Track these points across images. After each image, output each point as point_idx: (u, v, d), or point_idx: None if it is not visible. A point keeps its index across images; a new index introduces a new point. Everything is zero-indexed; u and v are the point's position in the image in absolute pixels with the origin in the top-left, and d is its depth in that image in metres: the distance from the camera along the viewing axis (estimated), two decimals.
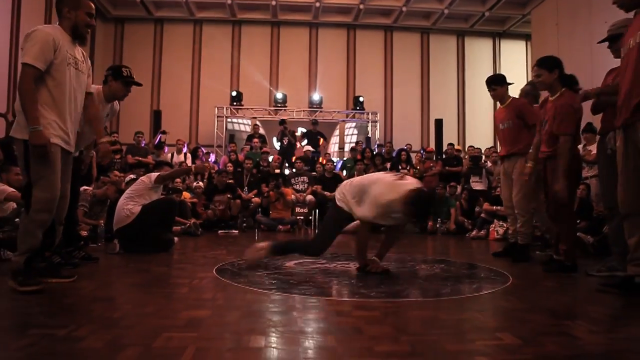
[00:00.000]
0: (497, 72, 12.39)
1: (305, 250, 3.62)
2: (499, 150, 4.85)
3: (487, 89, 4.61)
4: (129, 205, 4.39)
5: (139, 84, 3.73)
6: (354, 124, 12.41)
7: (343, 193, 3.39)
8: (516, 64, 12.89)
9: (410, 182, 3.26)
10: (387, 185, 3.21)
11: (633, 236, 2.59)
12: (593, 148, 6.43)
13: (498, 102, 4.65)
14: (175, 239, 4.99)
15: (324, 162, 9.20)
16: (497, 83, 4.53)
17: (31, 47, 2.61)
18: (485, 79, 4.68)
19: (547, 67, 3.57)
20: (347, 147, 11.78)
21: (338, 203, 3.40)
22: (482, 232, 6.65)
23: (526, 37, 12.73)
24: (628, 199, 2.60)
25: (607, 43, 3.30)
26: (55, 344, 1.66)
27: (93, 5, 2.94)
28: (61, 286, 2.68)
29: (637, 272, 2.57)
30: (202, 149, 10.48)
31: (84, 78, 2.92)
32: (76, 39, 2.88)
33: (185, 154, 9.58)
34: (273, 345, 1.70)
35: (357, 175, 8.23)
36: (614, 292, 2.63)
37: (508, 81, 4.62)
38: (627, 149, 2.61)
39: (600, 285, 2.76)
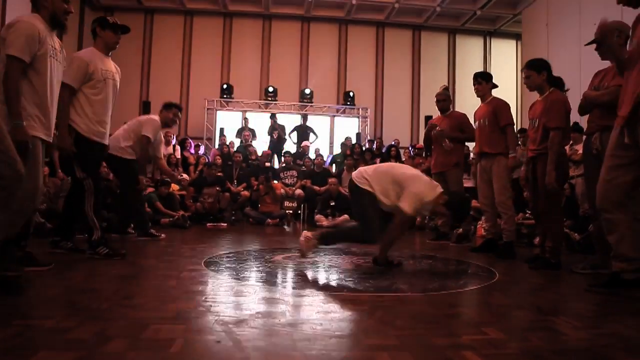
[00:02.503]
0: (487, 70, 12.48)
1: (363, 238, 3.42)
2: (473, 148, 5.04)
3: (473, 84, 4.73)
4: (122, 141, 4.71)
5: (128, 29, 3.65)
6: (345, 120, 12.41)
7: (365, 178, 3.33)
8: (506, 63, 12.98)
9: (433, 182, 3.42)
10: (427, 185, 3.27)
11: (613, 233, 2.63)
12: (579, 147, 6.53)
13: (480, 99, 4.73)
14: (162, 235, 5.00)
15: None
16: (484, 77, 4.72)
17: (16, 39, 2.56)
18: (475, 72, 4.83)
19: (535, 68, 3.70)
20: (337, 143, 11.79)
21: (362, 186, 3.31)
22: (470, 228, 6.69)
23: (516, 37, 12.81)
24: (608, 193, 2.63)
25: (594, 45, 3.34)
26: (41, 334, 1.64)
27: None
28: (46, 278, 2.65)
29: (622, 267, 2.60)
30: (191, 140, 10.41)
31: (61, 69, 2.90)
32: (55, 27, 2.83)
33: (174, 146, 9.51)
34: (262, 338, 1.70)
35: (347, 171, 8.27)
36: (602, 292, 2.63)
37: (495, 83, 4.76)
38: (621, 140, 2.60)
39: (588, 286, 2.76)
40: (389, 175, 3.32)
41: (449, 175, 5.13)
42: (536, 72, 3.68)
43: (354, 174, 3.47)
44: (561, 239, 3.62)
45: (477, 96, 4.74)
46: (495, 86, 4.75)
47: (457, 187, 5.06)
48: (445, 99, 5.36)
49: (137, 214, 4.92)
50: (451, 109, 5.49)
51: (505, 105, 4.48)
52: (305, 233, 3.35)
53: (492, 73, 5.01)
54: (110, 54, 3.63)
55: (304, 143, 10.24)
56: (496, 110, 4.43)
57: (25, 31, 2.59)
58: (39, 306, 2.07)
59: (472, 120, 5.07)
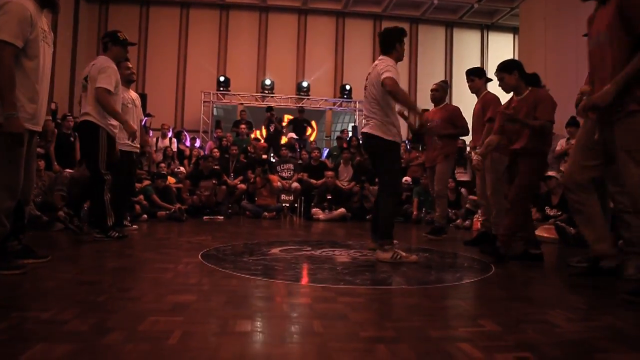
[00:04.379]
0: (485, 64, 12.48)
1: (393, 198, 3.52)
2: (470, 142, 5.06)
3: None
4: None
5: (134, 44, 4.42)
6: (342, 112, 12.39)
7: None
8: (504, 56, 12.69)
9: None
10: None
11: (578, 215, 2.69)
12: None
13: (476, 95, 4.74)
14: (135, 226, 5.05)
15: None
16: (475, 74, 4.72)
17: (7, 22, 2.39)
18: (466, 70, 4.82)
19: (506, 69, 3.69)
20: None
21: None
22: (466, 222, 6.72)
23: (514, 30, 12.80)
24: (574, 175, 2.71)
25: None
26: (38, 326, 1.64)
27: None
28: (43, 270, 2.65)
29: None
30: (186, 133, 10.38)
31: (50, 52, 2.75)
32: (45, 7, 2.68)
33: (170, 138, 9.49)
34: (258, 330, 1.71)
35: (343, 165, 8.27)
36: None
37: (489, 77, 4.75)
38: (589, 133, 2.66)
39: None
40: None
41: (437, 166, 5.10)
42: (507, 73, 3.68)
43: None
44: (514, 230, 3.56)
45: (472, 92, 4.76)
46: (489, 80, 4.76)
47: (440, 179, 5.06)
48: (437, 89, 5.31)
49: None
50: (446, 101, 5.47)
51: (494, 100, 4.49)
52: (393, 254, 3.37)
53: (489, 67, 5.02)
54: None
55: (290, 135, 10.22)
56: (484, 105, 4.46)
57: (17, 14, 2.42)
58: (37, 298, 2.07)
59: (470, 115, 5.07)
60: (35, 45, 2.56)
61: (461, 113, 5.20)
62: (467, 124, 5.04)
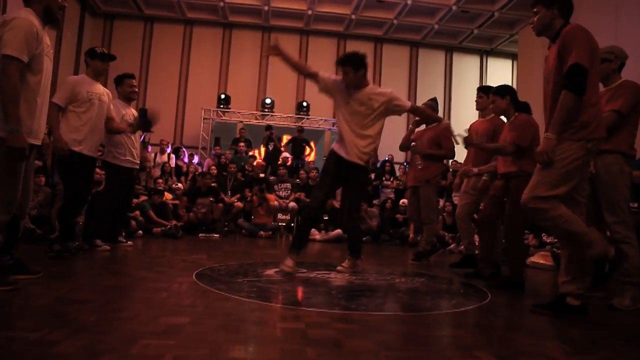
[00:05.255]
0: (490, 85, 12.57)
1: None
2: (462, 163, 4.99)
3: (474, 99, 4.75)
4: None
5: (113, 58, 4.28)
6: None
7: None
8: (502, 81, 12.94)
9: None
10: None
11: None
12: None
13: (479, 112, 4.74)
14: (130, 242, 4.97)
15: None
16: (485, 92, 4.59)
17: (14, 38, 2.43)
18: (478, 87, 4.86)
19: (499, 94, 3.88)
20: None
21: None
22: (461, 247, 6.68)
23: (513, 56, 12.98)
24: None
25: None
26: (26, 348, 1.61)
27: None
28: (34, 287, 2.61)
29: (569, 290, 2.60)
30: (184, 149, 10.39)
31: (51, 65, 2.79)
32: (48, 23, 2.72)
33: (168, 154, 9.49)
34: (252, 356, 1.68)
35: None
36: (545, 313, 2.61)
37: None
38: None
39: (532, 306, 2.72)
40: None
41: (420, 191, 5.02)
42: (500, 97, 3.86)
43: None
44: (522, 255, 3.66)
45: (477, 109, 4.75)
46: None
47: (426, 205, 4.96)
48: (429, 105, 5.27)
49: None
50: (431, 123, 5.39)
51: (503, 125, 4.46)
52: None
53: None
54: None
55: (283, 155, 10.16)
56: (496, 129, 4.39)
57: (24, 29, 2.46)
58: (25, 317, 2.03)
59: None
60: (40, 59, 2.60)
61: (450, 134, 5.05)
62: (453, 146, 4.91)
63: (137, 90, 5.06)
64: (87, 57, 4.17)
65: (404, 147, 5.45)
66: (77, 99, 3.92)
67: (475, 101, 4.73)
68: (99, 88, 4.14)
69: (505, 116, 3.93)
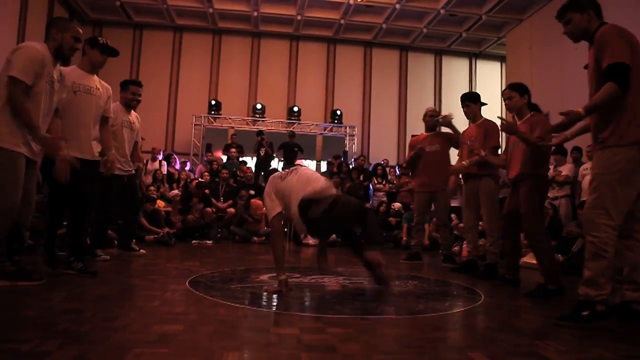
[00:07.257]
0: (474, 91, 12.69)
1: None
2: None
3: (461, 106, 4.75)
4: None
5: (115, 53, 3.90)
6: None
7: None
8: (491, 84, 13.23)
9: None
10: None
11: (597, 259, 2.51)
12: (563, 169, 6.64)
13: (470, 120, 4.76)
14: (142, 251, 4.92)
15: None
16: (471, 100, 4.71)
17: (19, 61, 2.69)
18: (461, 95, 4.84)
19: (519, 90, 3.73)
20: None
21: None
22: (455, 248, 6.72)
23: (501, 59, 13.09)
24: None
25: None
26: (18, 359, 1.59)
27: (81, 31, 3.10)
28: (25, 297, 2.59)
29: (634, 297, 2.54)
30: (176, 156, 10.36)
31: (55, 98, 3.01)
32: (58, 59, 2.99)
33: (160, 161, 9.46)
34: None
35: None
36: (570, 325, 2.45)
37: (483, 101, 4.78)
38: None
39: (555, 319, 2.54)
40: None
41: (438, 196, 5.15)
42: (519, 94, 3.71)
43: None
44: (553, 260, 3.52)
45: (467, 118, 4.76)
46: (484, 104, 4.79)
47: (445, 209, 5.09)
48: (434, 116, 5.38)
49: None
50: (437, 129, 5.53)
51: (495, 127, 4.50)
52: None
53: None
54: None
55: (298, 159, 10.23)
56: (487, 132, 4.45)
57: (28, 54, 2.73)
58: (17, 328, 2.01)
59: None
60: (39, 82, 2.81)
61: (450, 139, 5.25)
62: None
63: (139, 99, 4.80)
64: (86, 44, 3.72)
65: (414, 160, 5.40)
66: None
67: (464, 111, 4.75)
68: (92, 81, 3.70)
69: (517, 114, 3.75)
